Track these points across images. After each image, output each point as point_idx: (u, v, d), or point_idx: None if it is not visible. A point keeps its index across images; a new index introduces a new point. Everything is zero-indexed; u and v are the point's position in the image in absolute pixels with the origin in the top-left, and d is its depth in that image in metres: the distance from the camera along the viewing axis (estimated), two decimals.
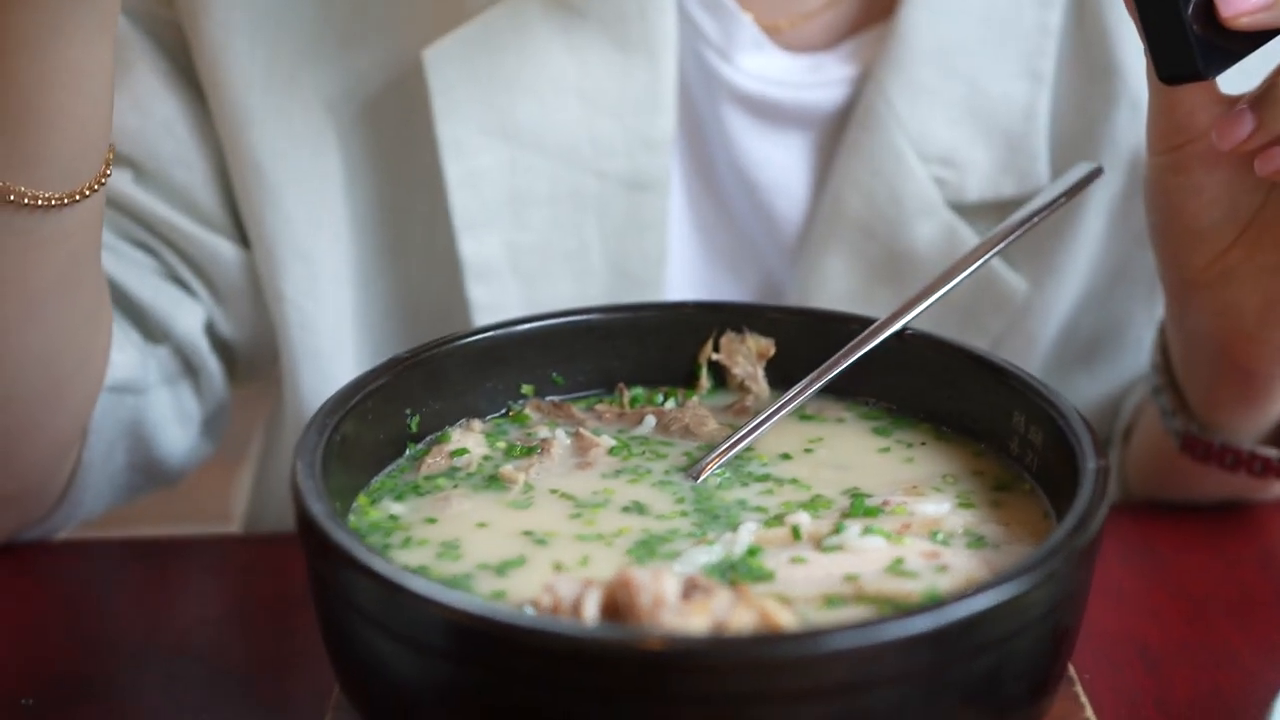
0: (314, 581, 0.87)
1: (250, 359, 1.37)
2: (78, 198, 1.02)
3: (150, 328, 1.28)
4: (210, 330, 1.32)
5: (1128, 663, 1.06)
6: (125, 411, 1.24)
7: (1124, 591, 1.14)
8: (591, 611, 0.80)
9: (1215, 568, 1.18)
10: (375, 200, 1.30)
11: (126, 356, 1.22)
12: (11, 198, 1.00)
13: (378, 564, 0.80)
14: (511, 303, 1.28)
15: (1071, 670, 0.94)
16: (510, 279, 1.28)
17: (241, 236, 1.30)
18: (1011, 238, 1.06)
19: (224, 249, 1.29)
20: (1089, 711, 0.92)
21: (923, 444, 1.02)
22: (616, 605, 0.81)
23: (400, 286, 1.33)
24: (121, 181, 1.26)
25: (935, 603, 0.77)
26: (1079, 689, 0.94)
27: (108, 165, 1.04)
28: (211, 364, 1.31)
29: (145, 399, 1.26)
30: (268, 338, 1.34)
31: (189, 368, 1.30)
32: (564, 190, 1.27)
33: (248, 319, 1.33)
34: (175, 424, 1.29)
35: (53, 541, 1.24)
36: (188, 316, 1.28)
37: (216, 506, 1.71)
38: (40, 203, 1.01)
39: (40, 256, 1.04)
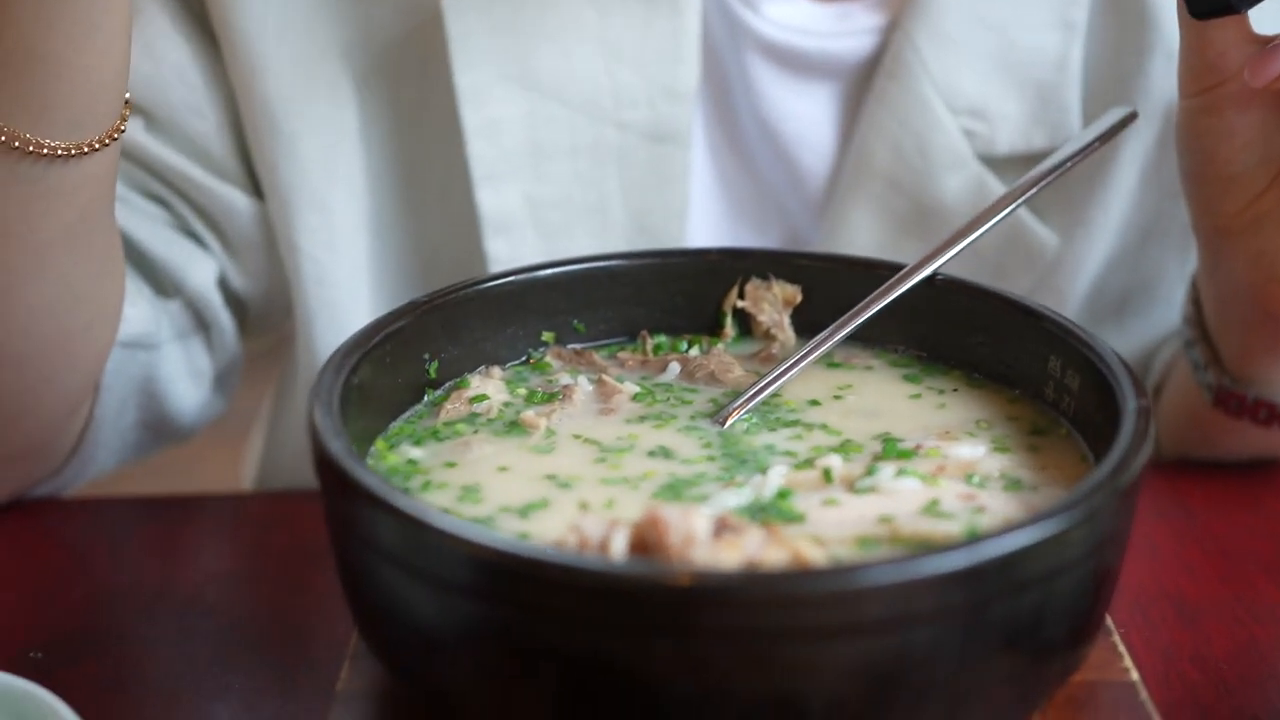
0: (332, 523, 0.85)
1: (263, 313, 1.34)
2: (86, 150, 1.00)
3: (162, 282, 1.26)
4: (223, 284, 1.29)
5: (1163, 618, 1.04)
6: (137, 368, 1.22)
7: (1158, 548, 1.11)
8: (619, 549, 0.78)
9: (1249, 523, 1.15)
10: (392, 151, 1.28)
11: (139, 311, 1.20)
12: (16, 144, 0.97)
13: (400, 500, 0.77)
14: (530, 256, 1.25)
15: (1109, 622, 0.91)
16: (529, 232, 1.25)
17: (255, 188, 1.28)
18: (1044, 183, 1.04)
19: (237, 200, 1.27)
20: (1127, 661, 0.89)
21: (954, 390, 0.99)
22: (645, 544, 0.78)
23: (417, 239, 1.30)
24: (132, 130, 1.23)
25: (974, 539, 0.75)
26: (1117, 639, 0.91)
27: (122, 121, 1.02)
28: (224, 319, 1.29)
29: (157, 354, 1.23)
30: (281, 291, 1.32)
31: (201, 323, 1.28)
32: (584, 142, 1.24)
33: (261, 272, 1.30)
34: (187, 380, 1.27)
35: (63, 499, 1.22)
36: (200, 270, 1.26)
37: (228, 480, 1.69)
38: (46, 152, 0.98)
39: (47, 208, 1.02)
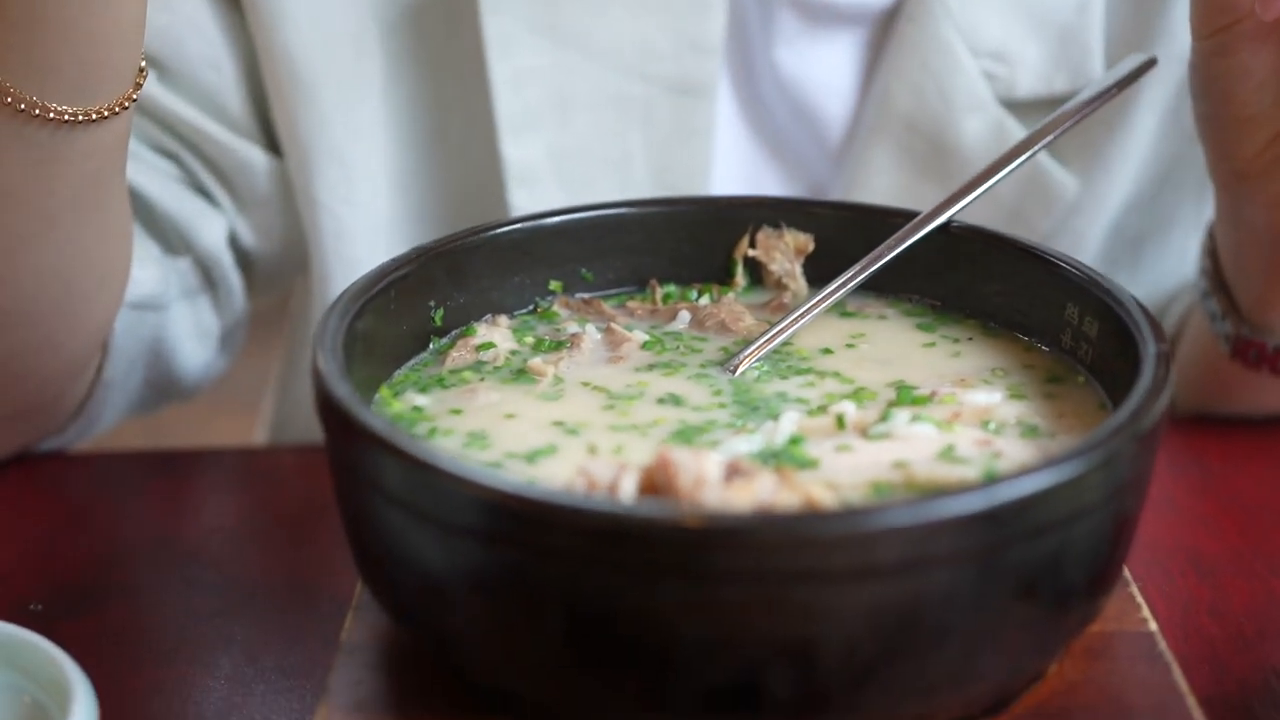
0: (336, 469, 0.83)
1: (272, 271, 1.33)
2: (94, 117, 0.98)
3: (171, 239, 1.24)
4: (233, 242, 1.28)
5: (1181, 573, 1.02)
6: (146, 330, 1.20)
7: (1175, 503, 1.10)
8: (628, 492, 0.76)
9: (1267, 478, 1.14)
10: (415, 102, 1.26)
11: (148, 273, 1.19)
12: (21, 107, 0.95)
13: (405, 442, 0.76)
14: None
15: (1127, 573, 0.89)
16: (552, 184, 1.24)
17: (270, 143, 1.27)
18: (1061, 129, 1.02)
19: (253, 155, 1.25)
20: (1145, 612, 0.88)
21: (970, 339, 0.97)
22: (654, 488, 0.77)
23: (438, 192, 1.29)
24: (147, 82, 1.22)
25: (992, 482, 0.73)
26: (1135, 590, 0.89)
27: (135, 89, 0.99)
28: (232, 277, 1.27)
29: (165, 315, 1.22)
30: (293, 249, 1.30)
31: (209, 281, 1.26)
32: (609, 95, 1.23)
33: (273, 229, 1.29)
34: (193, 339, 1.26)
35: (66, 453, 1.21)
36: (210, 228, 1.25)
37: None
38: (52, 117, 0.96)
39: (53, 172, 1.00)
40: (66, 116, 0.97)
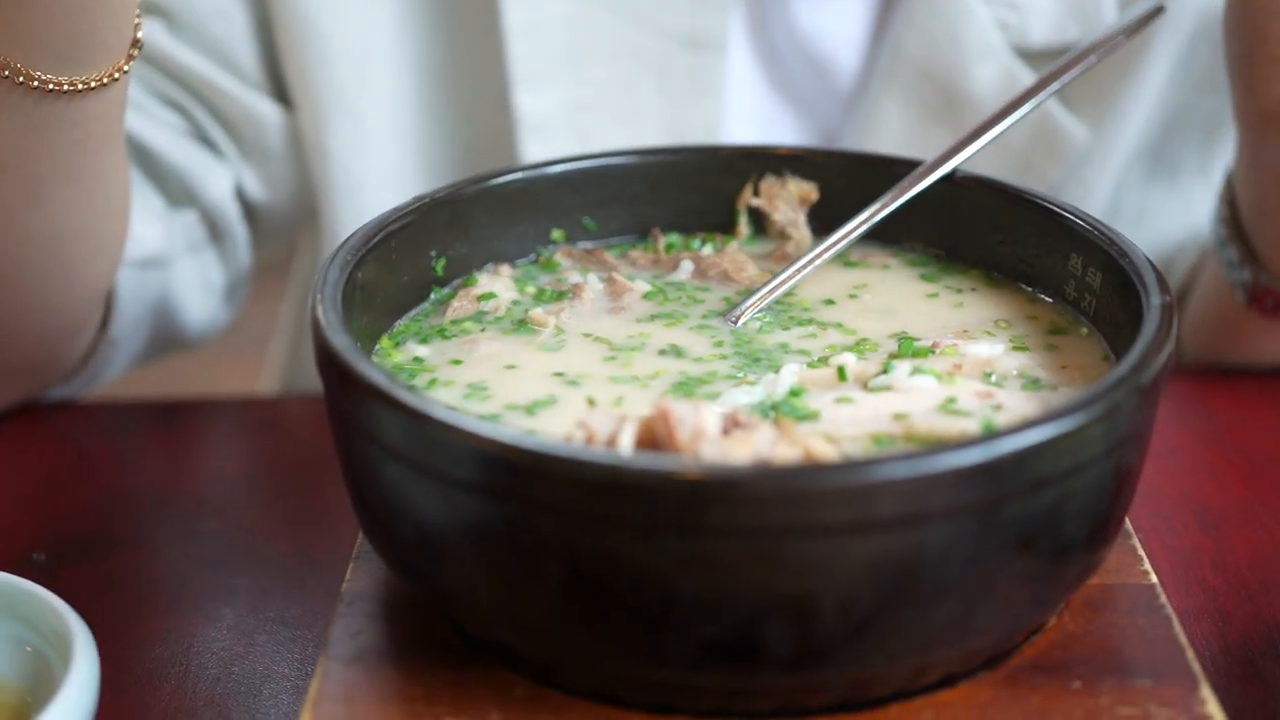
0: (336, 420, 0.83)
1: (278, 223, 1.32)
2: (81, 87, 0.96)
3: (176, 192, 1.24)
4: (239, 195, 1.27)
5: (1185, 524, 1.02)
6: (152, 287, 1.20)
7: (1181, 454, 1.09)
8: (627, 444, 0.76)
9: (1274, 429, 1.13)
10: (427, 54, 1.25)
11: (151, 229, 1.18)
12: (6, 74, 0.94)
13: (404, 394, 0.76)
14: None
15: (1128, 525, 0.89)
16: (565, 136, 1.24)
17: (280, 95, 1.26)
18: (1067, 77, 1.01)
19: (262, 107, 1.24)
20: (1146, 565, 0.87)
21: (973, 290, 0.97)
22: (653, 440, 0.77)
23: (449, 143, 1.28)
24: (153, 32, 1.21)
25: (991, 434, 0.73)
26: (1136, 542, 0.89)
27: (127, 60, 0.98)
28: (238, 230, 1.27)
29: (170, 271, 1.22)
30: (300, 201, 1.30)
31: (215, 233, 1.26)
32: (623, 47, 1.22)
33: (281, 181, 1.28)
34: (199, 294, 1.25)
35: (71, 403, 1.21)
36: (217, 180, 1.24)
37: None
38: (37, 85, 0.95)
39: (42, 140, 0.99)
40: (51, 86, 0.95)
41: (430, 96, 1.27)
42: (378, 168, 1.26)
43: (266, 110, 1.25)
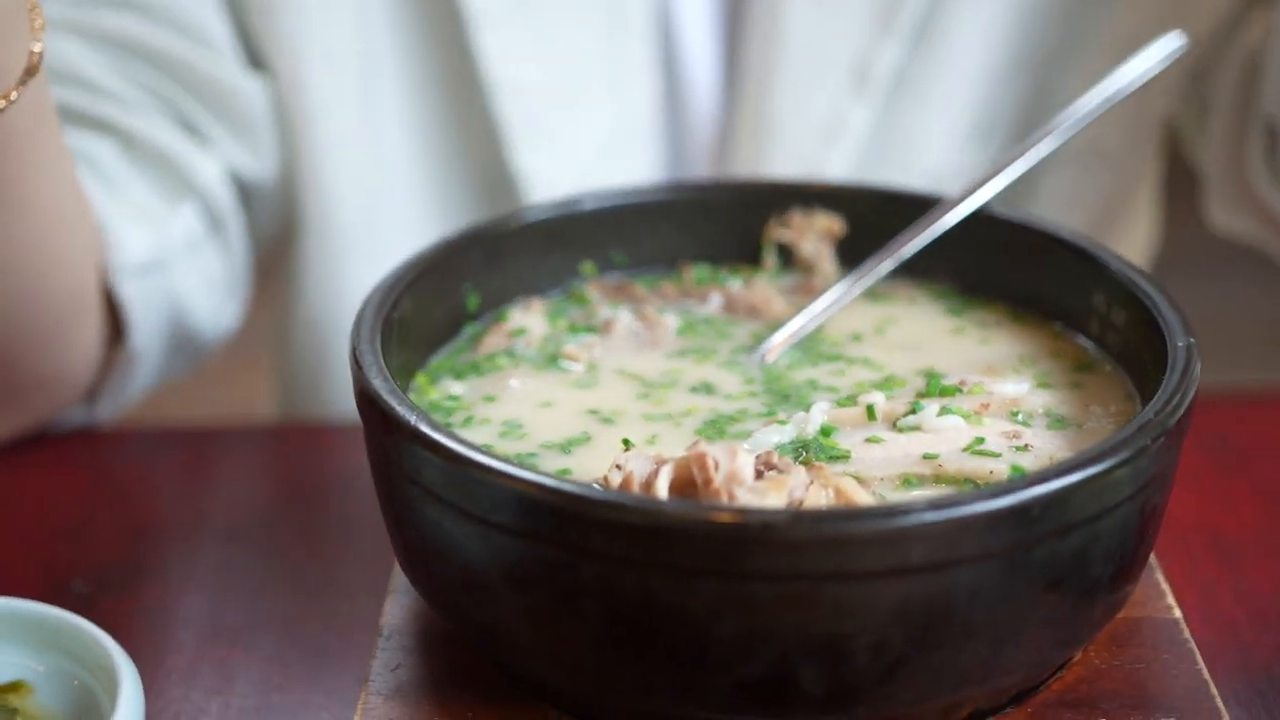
0: (375, 459, 0.85)
1: (270, 206, 1.33)
2: None
3: (171, 183, 1.24)
4: (231, 180, 1.29)
5: (1204, 553, 1.03)
6: (159, 295, 1.21)
7: (1200, 481, 1.11)
8: (663, 487, 0.78)
9: None
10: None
11: (138, 233, 1.18)
12: None
13: (444, 438, 0.77)
14: (525, 53, 1.28)
15: (1152, 558, 0.91)
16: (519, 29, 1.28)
17: (256, 63, 1.29)
18: (1090, 114, 1.01)
19: (243, 80, 1.27)
20: (1170, 599, 0.89)
21: (998, 324, 0.98)
22: (689, 482, 0.78)
23: (426, 83, 1.32)
24: (128, 25, 1.23)
25: (1021, 480, 0.74)
26: (1160, 576, 0.91)
27: (18, 87, 0.95)
28: (233, 220, 1.28)
29: (173, 275, 1.22)
30: (288, 178, 1.32)
31: (212, 225, 1.27)
32: None
33: (268, 155, 1.30)
34: (204, 294, 1.26)
35: (97, 432, 1.22)
36: (209, 165, 1.26)
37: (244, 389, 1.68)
38: None
39: None
40: None
41: (402, 35, 1.30)
42: (358, 119, 1.30)
43: (247, 84, 1.28)
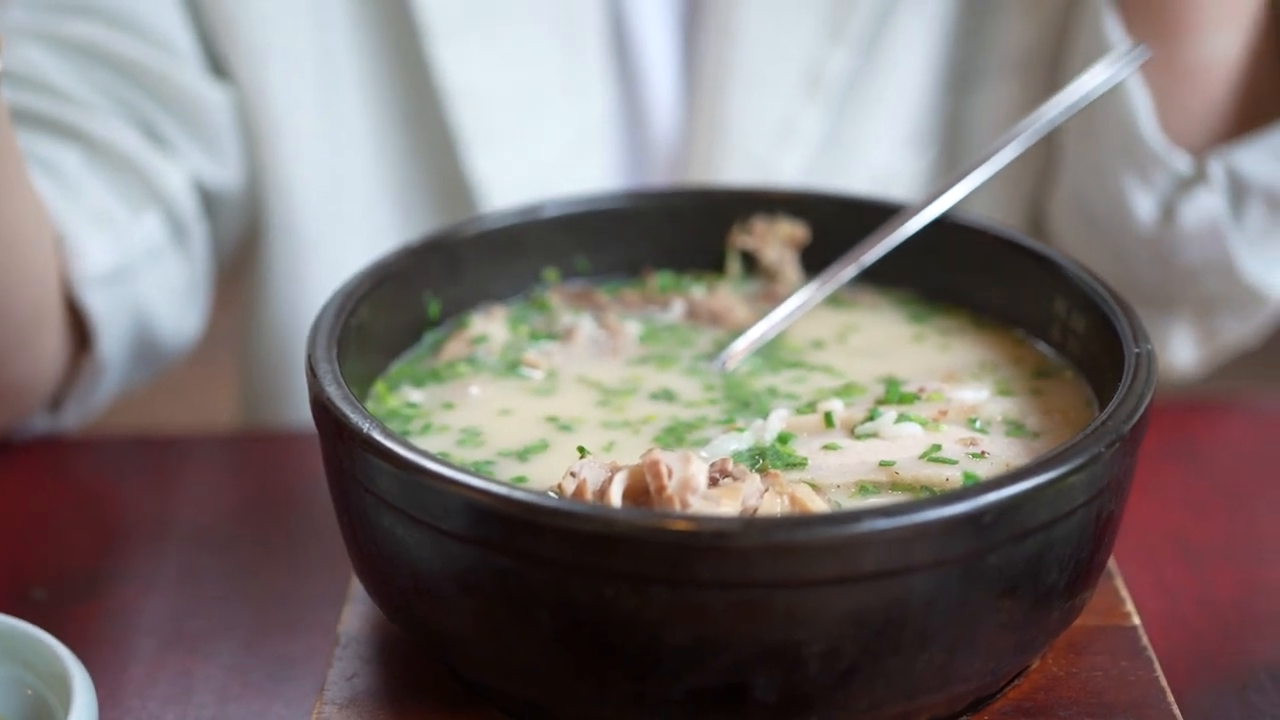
0: (331, 467, 0.84)
1: (233, 215, 1.33)
2: None
3: (137, 189, 1.24)
4: (195, 188, 1.29)
5: (1168, 560, 1.03)
6: (124, 304, 1.21)
7: (1165, 488, 1.11)
8: (617, 495, 0.77)
9: (1258, 464, 1.15)
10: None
11: (101, 243, 1.18)
12: None
13: (397, 446, 0.77)
14: (481, 62, 1.29)
15: (1112, 564, 0.91)
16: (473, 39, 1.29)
17: (218, 71, 1.29)
18: (1055, 118, 1.01)
19: (206, 87, 1.27)
20: (1129, 606, 0.89)
21: (959, 331, 0.98)
22: (643, 489, 0.78)
23: (380, 79, 1.32)
24: (95, 31, 1.23)
25: (975, 486, 0.74)
26: (1119, 583, 0.91)
27: None
28: (196, 228, 1.28)
29: (137, 282, 1.22)
30: (251, 186, 1.33)
31: (177, 232, 1.27)
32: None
33: (231, 161, 1.30)
34: (166, 302, 1.26)
35: (61, 439, 1.22)
36: (175, 172, 1.26)
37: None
38: None
39: None
40: None
41: (360, 44, 1.31)
42: (319, 127, 1.31)
43: (211, 92, 1.28)
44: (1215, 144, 1.25)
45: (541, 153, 1.32)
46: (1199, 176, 1.23)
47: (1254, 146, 1.22)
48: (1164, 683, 0.83)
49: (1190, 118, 1.25)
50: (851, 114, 1.35)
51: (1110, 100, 1.23)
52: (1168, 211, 1.26)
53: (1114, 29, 1.23)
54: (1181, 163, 1.23)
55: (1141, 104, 1.23)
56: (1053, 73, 1.35)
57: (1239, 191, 1.24)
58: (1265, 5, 1.23)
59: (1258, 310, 1.30)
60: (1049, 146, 1.36)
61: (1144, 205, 1.26)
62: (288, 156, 1.31)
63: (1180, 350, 1.32)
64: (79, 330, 1.19)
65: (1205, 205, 1.23)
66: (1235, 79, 1.24)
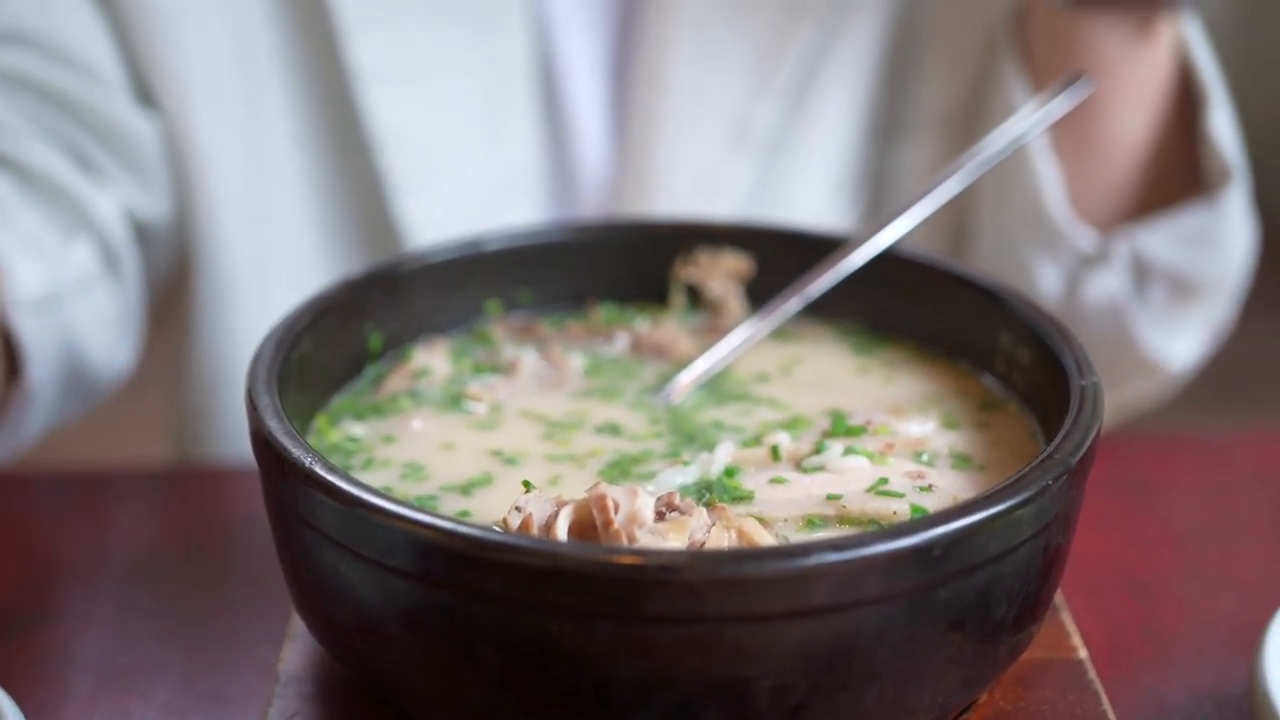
0: (271, 502, 0.83)
1: (165, 244, 1.32)
2: None
3: (68, 217, 1.23)
4: (128, 217, 1.27)
5: (1115, 593, 1.03)
6: (55, 332, 1.19)
7: (1112, 521, 1.11)
8: (563, 530, 0.76)
9: (1204, 498, 1.15)
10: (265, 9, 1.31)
11: (32, 269, 1.17)
12: None
13: (339, 481, 0.76)
14: (406, 103, 1.29)
15: (1059, 598, 0.90)
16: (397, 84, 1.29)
17: (147, 99, 1.28)
18: (1000, 151, 1.01)
19: (136, 120, 1.26)
20: (1076, 639, 0.89)
21: (905, 363, 0.98)
22: (589, 524, 0.77)
23: (293, 103, 1.32)
24: (24, 60, 1.22)
25: (923, 520, 0.74)
26: (1066, 616, 0.90)
27: None
28: (128, 257, 1.26)
29: (68, 312, 1.21)
30: (182, 214, 1.31)
31: (109, 261, 1.25)
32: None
33: (161, 191, 1.30)
34: (97, 333, 1.24)
35: None
36: (105, 201, 1.25)
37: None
38: None
39: None
40: None
41: (286, 81, 1.31)
42: (245, 162, 1.30)
43: (139, 122, 1.27)
44: (1122, 221, 1.27)
45: (469, 196, 1.32)
46: (1102, 256, 1.26)
47: (1158, 229, 1.25)
48: (1111, 716, 0.82)
49: (1098, 194, 1.27)
50: (779, 165, 1.37)
51: (1020, 173, 1.26)
52: (1072, 286, 1.28)
53: (1022, 93, 1.24)
54: (1086, 241, 1.26)
55: (1049, 179, 1.25)
56: (972, 128, 1.36)
57: (1142, 272, 1.27)
58: (1174, 86, 1.25)
59: (1160, 376, 1.35)
60: (965, 210, 1.37)
61: (1049, 278, 1.29)
62: (214, 192, 1.30)
63: None
64: (8, 357, 1.17)
65: (1107, 285, 1.26)
66: (1144, 157, 1.26)
